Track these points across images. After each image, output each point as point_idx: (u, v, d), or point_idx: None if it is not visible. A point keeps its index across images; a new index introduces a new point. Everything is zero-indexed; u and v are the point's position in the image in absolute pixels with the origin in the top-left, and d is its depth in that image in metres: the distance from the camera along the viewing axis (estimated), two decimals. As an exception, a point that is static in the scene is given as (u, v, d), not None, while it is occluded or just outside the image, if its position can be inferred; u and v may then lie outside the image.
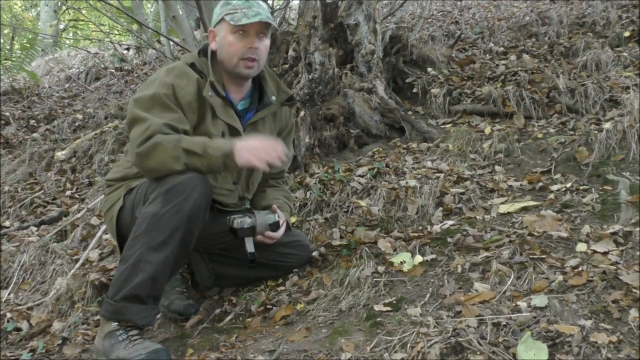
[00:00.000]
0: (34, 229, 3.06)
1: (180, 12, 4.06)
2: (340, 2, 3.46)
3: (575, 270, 1.71)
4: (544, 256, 1.82)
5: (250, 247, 1.90)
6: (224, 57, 1.90)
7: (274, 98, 2.02)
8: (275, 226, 1.94)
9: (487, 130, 3.02)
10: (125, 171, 1.93)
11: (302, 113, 3.00)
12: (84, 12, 10.44)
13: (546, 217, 2.09)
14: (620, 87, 3.11)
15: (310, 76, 3.15)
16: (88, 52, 7.45)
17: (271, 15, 1.95)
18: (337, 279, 1.97)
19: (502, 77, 3.51)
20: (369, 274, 1.94)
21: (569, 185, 2.38)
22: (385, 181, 2.63)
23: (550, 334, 1.40)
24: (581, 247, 1.87)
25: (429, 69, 3.80)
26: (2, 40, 9.15)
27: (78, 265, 2.52)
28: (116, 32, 9.63)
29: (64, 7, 10.79)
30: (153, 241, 1.65)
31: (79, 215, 2.99)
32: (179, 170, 1.71)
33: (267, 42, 1.93)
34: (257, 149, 1.73)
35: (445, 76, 3.67)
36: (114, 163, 3.55)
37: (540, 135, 2.92)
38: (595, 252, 1.82)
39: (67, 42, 10.45)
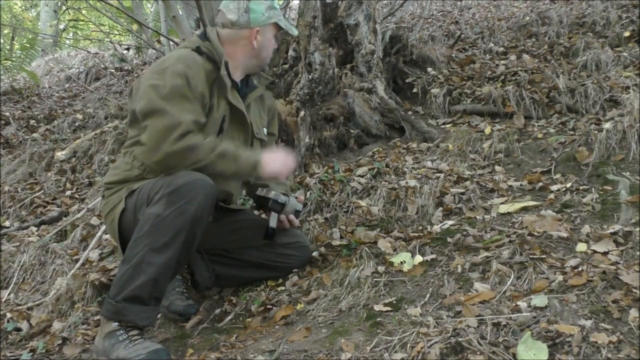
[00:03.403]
0: (34, 229, 3.06)
1: (180, 12, 4.05)
2: (340, 2, 3.46)
3: (575, 270, 1.71)
4: (544, 256, 1.82)
5: (273, 222, 2.03)
6: (263, 55, 2.02)
7: (255, 82, 2.10)
8: (298, 214, 2.14)
9: (487, 130, 3.02)
10: (125, 174, 1.89)
11: (302, 113, 3.00)
12: (84, 12, 10.45)
13: (546, 217, 2.09)
14: (620, 87, 3.11)
15: (310, 76, 3.15)
16: (88, 52, 7.45)
17: None
18: (337, 279, 1.97)
19: (502, 77, 3.51)
20: (369, 274, 1.95)
21: (569, 185, 2.38)
22: (385, 181, 2.63)
23: (550, 334, 1.40)
24: (581, 247, 1.87)
25: (429, 69, 3.80)
26: (2, 40, 9.15)
27: (78, 265, 2.52)
28: (116, 32, 9.63)
29: (64, 7, 10.79)
30: (156, 243, 1.65)
31: (79, 215, 2.99)
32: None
33: None
34: (282, 161, 1.91)
35: (445, 76, 3.67)
36: (113, 164, 3.54)
37: (540, 135, 2.92)
38: (595, 252, 1.82)
39: (67, 42, 10.46)
